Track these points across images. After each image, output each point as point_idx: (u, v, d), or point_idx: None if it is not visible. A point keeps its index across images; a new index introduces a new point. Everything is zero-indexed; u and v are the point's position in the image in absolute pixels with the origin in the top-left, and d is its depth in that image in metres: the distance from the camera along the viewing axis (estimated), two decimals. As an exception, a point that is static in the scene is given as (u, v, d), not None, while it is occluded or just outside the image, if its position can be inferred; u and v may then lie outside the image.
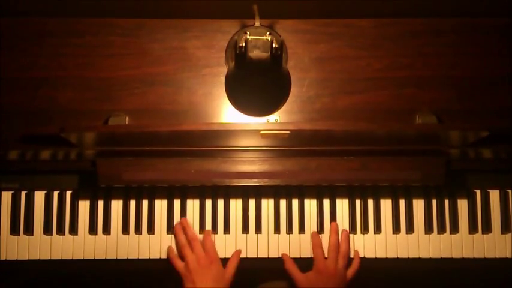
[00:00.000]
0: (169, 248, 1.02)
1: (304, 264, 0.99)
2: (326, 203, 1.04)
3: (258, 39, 0.86)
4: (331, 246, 1.00)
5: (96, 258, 1.02)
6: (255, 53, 0.86)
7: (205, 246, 0.99)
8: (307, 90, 0.99)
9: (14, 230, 1.03)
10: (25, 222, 1.03)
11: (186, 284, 0.96)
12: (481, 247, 1.03)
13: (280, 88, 0.98)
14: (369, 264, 1.03)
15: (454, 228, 1.03)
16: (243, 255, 1.02)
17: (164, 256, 1.02)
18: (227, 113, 0.99)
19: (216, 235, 1.03)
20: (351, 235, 1.03)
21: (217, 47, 0.99)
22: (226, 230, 1.03)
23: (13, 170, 1.02)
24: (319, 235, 1.02)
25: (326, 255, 1.00)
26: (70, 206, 1.04)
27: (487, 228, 1.03)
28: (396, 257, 1.03)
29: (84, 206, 1.04)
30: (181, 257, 0.99)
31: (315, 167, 0.94)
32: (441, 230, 1.03)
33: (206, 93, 0.99)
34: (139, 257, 1.02)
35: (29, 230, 1.03)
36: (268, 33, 0.88)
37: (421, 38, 0.99)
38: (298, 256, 1.01)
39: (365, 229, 1.03)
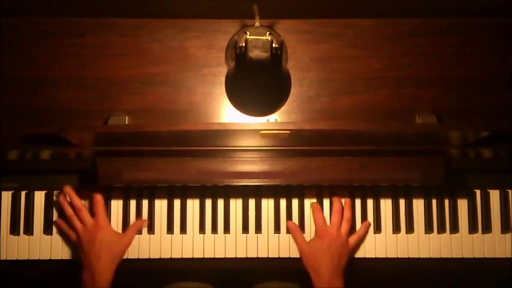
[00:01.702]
0: (59, 221, 1.01)
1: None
2: (326, 203, 1.04)
3: (258, 39, 0.86)
4: (335, 211, 1.00)
5: (96, 258, 1.02)
6: (255, 53, 0.86)
7: (95, 213, 0.99)
8: (307, 90, 0.99)
9: (14, 230, 1.03)
10: (25, 222, 1.03)
11: (81, 255, 0.96)
12: (481, 247, 1.03)
13: (280, 88, 0.98)
14: (369, 264, 1.03)
15: (454, 228, 1.03)
16: (242, 255, 1.02)
17: (164, 256, 1.02)
18: (227, 113, 0.99)
19: (216, 235, 1.03)
20: (351, 235, 1.03)
21: (217, 47, 0.99)
22: (226, 230, 1.03)
23: (13, 170, 1.02)
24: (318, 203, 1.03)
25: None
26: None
27: (487, 228, 1.03)
28: (396, 257, 1.03)
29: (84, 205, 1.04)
30: (73, 228, 0.99)
31: (315, 167, 0.94)
32: (441, 230, 1.03)
33: (206, 93, 0.99)
34: (139, 257, 1.02)
35: (29, 230, 1.03)
36: (268, 33, 0.87)
37: (421, 38, 0.99)
38: (299, 256, 1.01)
39: (365, 229, 1.03)
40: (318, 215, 1.00)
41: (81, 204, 0.99)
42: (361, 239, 1.02)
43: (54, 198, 1.04)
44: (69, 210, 0.99)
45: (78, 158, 0.98)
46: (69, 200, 1.00)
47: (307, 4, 1.00)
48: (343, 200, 1.02)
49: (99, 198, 1.00)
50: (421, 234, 1.04)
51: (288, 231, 1.03)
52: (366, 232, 1.02)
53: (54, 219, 1.03)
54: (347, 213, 1.00)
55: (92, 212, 1.00)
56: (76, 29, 0.99)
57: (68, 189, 1.00)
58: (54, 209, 1.04)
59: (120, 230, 1.03)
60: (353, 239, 0.99)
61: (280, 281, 1.09)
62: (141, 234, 1.03)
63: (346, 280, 0.99)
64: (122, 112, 0.97)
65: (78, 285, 0.96)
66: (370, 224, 1.02)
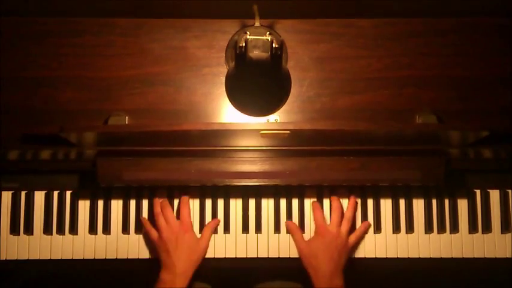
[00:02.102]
0: (143, 219, 1.02)
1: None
2: (326, 203, 1.04)
3: (258, 39, 0.86)
4: (334, 210, 1.00)
5: (96, 258, 1.03)
6: (255, 53, 0.86)
7: (181, 215, 0.99)
8: (307, 90, 0.99)
9: (14, 230, 1.03)
10: (25, 222, 1.03)
11: (160, 253, 0.96)
12: (481, 247, 1.03)
13: (280, 88, 0.98)
14: (369, 264, 1.03)
15: (454, 228, 1.03)
16: (242, 255, 1.02)
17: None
18: (227, 113, 0.99)
19: (216, 235, 1.03)
20: (350, 234, 1.03)
21: (217, 47, 0.99)
22: (226, 230, 1.03)
23: (13, 170, 1.02)
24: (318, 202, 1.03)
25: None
26: (70, 206, 1.04)
27: (487, 228, 1.03)
28: (396, 257, 1.03)
29: (84, 206, 1.04)
30: (156, 227, 0.99)
31: (315, 167, 0.94)
32: (441, 229, 1.03)
33: (206, 93, 0.99)
34: (140, 257, 1.02)
35: (29, 230, 1.03)
36: (268, 33, 0.87)
37: (421, 38, 0.99)
38: (298, 256, 1.01)
39: (365, 229, 1.03)
40: (318, 214, 1.00)
41: (168, 203, 1.01)
42: (361, 238, 1.01)
43: (55, 198, 1.04)
44: (158, 208, 1.00)
45: (78, 158, 0.99)
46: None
47: (307, 4, 1.00)
48: (344, 201, 1.02)
49: (186, 199, 1.01)
50: (421, 234, 1.04)
51: (288, 232, 1.03)
52: (366, 232, 1.02)
53: (54, 220, 1.03)
54: (348, 213, 1.00)
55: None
56: (76, 29, 0.99)
57: (157, 199, 1.02)
58: (54, 209, 1.04)
59: (120, 231, 1.03)
60: (352, 238, 0.99)
61: (282, 280, 1.09)
62: (141, 234, 1.03)
63: (346, 280, 0.99)
64: (122, 112, 0.97)
65: (78, 285, 0.97)
66: (370, 224, 1.02)
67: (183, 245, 0.96)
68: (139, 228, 1.03)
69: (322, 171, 0.94)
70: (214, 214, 1.03)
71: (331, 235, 0.97)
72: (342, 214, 1.00)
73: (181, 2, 1.00)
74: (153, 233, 0.99)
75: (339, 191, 1.03)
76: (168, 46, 0.99)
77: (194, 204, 1.04)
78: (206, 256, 1.02)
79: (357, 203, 1.02)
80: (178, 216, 1.01)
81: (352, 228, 1.01)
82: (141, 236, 1.03)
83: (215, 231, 1.03)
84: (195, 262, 0.97)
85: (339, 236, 0.97)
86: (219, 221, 1.03)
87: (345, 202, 1.04)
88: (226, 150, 0.96)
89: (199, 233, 1.03)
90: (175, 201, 1.04)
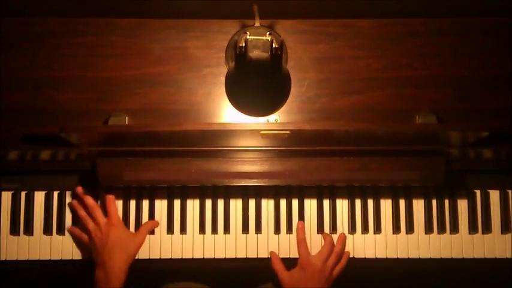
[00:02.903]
0: (71, 228, 1.01)
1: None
2: (326, 203, 1.04)
3: (258, 39, 0.86)
4: (326, 245, 0.99)
5: (96, 258, 1.02)
6: (255, 53, 0.86)
7: (108, 212, 0.99)
8: (307, 91, 0.99)
9: (14, 230, 1.03)
10: (25, 222, 1.03)
11: (93, 253, 0.97)
12: (481, 247, 1.03)
13: (280, 88, 0.98)
14: (369, 264, 1.03)
15: (454, 229, 1.03)
16: (242, 255, 1.02)
17: (164, 256, 1.02)
18: (227, 113, 0.99)
19: (216, 235, 1.03)
20: (351, 235, 1.03)
21: (217, 47, 0.99)
22: (226, 230, 1.03)
23: (13, 170, 1.02)
24: (318, 234, 1.03)
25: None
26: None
27: (487, 229, 1.03)
28: (396, 257, 1.03)
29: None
30: (86, 229, 0.99)
31: (315, 167, 0.94)
32: (441, 230, 1.03)
33: (206, 93, 0.99)
34: (139, 257, 1.02)
35: (29, 230, 1.03)
36: (268, 33, 0.88)
37: (421, 38, 1.00)
38: (298, 256, 1.01)
39: (365, 229, 1.03)
40: (303, 246, 0.99)
41: (94, 203, 1.00)
42: (343, 269, 1.00)
43: (55, 198, 1.04)
44: (82, 212, 1.00)
45: (78, 158, 0.99)
46: (80, 201, 1.01)
47: (306, 4, 1.00)
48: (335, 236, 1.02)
49: (111, 196, 1.01)
50: (421, 235, 1.03)
51: (287, 232, 1.03)
52: (347, 261, 1.01)
53: (54, 220, 1.03)
54: (338, 247, 1.00)
55: (105, 211, 1.00)
56: (76, 29, 0.99)
57: (80, 190, 1.00)
58: (54, 209, 1.04)
59: (120, 230, 1.03)
60: (336, 271, 0.99)
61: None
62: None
63: (347, 280, 0.99)
64: (122, 112, 0.97)
65: (78, 285, 0.97)
66: (349, 254, 1.02)
67: (113, 241, 0.96)
68: (140, 228, 1.03)
69: (322, 172, 0.94)
70: (214, 214, 1.03)
71: (315, 268, 0.96)
72: (332, 249, 0.99)
73: (181, 3, 1.00)
74: (84, 237, 0.99)
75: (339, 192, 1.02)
76: (169, 46, 0.99)
77: (194, 204, 1.04)
78: (206, 256, 1.02)
79: (345, 238, 1.02)
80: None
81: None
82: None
83: (215, 231, 1.03)
84: (128, 256, 0.96)
85: (322, 270, 0.96)
86: (158, 224, 1.02)
87: (344, 203, 1.04)
88: (226, 151, 0.96)
89: (200, 234, 1.03)
90: (176, 202, 1.04)
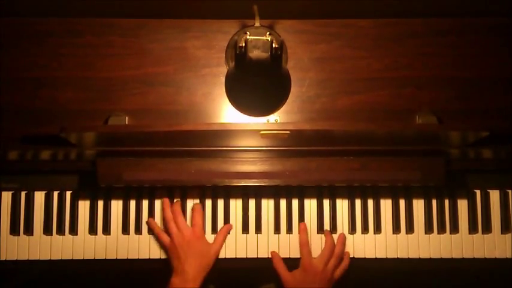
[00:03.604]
0: (151, 222, 1.02)
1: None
2: (326, 203, 1.04)
3: (258, 39, 0.86)
4: (327, 247, 1.00)
5: (96, 258, 1.02)
6: (255, 53, 0.86)
7: (194, 221, 1.00)
8: (307, 90, 0.99)
9: (14, 230, 1.03)
10: (25, 222, 1.03)
11: (172, 260, 0.97)
12: (481, 247, 1.03)
13: (280, 88, 0.98)
14: (369, 264, 1.03)
15: (454, 229, 1.03)
16: (242, 255, 1.02)
17: (165, 256, 1.02)
18: (227, 113, 0.99)
19: (216, 235, 1.03)
20: (351, 235, 1.03)
21: (217, 47, 0.99)
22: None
23: (13, 170, 1.02)
24: (318, 234, 1.03)
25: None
26: (70, 206, 1.04)
27: (487, 229, 1.03)
28: (396, 257, 1.03)
29: (84, 206, 1.04)
30: (167, 232, 0.99)
31: (315, 167, 0.94)
32: (441, 230, 1.03)
33: (206, 93, 0.99)
34: (139, 257, 1.02)
35: (29, 230, 1.03)
36: (268, 33, 0.88)
37: (421, 38, 0.99)
38: (299, 256, 1.01)
39: (365, 229, 1.03)
40: (305, 249, 1.00)
41: (180, 209, 1.00)
42: (345, 271, 1.01)
43: (55, 198, 1.04)
44: (169, 214, 1.00)
45: (78, 158, 0.99)
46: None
47: (306, 4, 1.00)
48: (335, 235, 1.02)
49: (199, 206, 1.02)
50: (421, 235, 1.03)
51: (287, 232, 1.03)
52: (349, 262, 1.01)
53: (54, 220, 1.03)
54: (338, 249, 1.00)
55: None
56: (76, 29, 0.99)
57: (167, 200, 1.01)
58: (54, 209, 1.03)
59: (120, 231, 1.03)
60: (338, 273, 1.00)
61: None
62: (141, 234, 1.03)
63: (347, 280, 0.99)
64: (121, 112, 0.97)
65: (78, 285, 0.97)
66: (349, 256, 1.02)
67: (194, 252, 0.96)
68: (139, 228, 1.03)
69: (322, 172, 0.94)
70: (214, 214, 1.03)
71: (316, 271, 0.97)
72: (333, 251, 1.00)
73: (181, 2, 1.00)
74: (165, 238, 0.99)
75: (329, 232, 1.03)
76: (168, 46, 0.99)
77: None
78: (206, 256, 1.02)
79: (345, 238, 1.02)
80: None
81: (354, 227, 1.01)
82: (141, 236, 1.03)
83: (215, 231, 1.03)
84: (206, 268, 0.97)
85: (324, 272, 0.97)
86: (232, 227, 1.03)
87: (344, 203, 1.04)
88: (226, 151, 0.96)
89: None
90: (175, 202, 1.04)
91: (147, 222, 1.03)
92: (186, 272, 0.94)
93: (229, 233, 1.03)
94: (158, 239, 1.01)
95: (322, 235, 1.03)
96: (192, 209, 1.02)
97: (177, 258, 0.96)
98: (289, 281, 0.97)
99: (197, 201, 1.04)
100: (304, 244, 1.00)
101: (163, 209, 1.02)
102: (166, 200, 1.02)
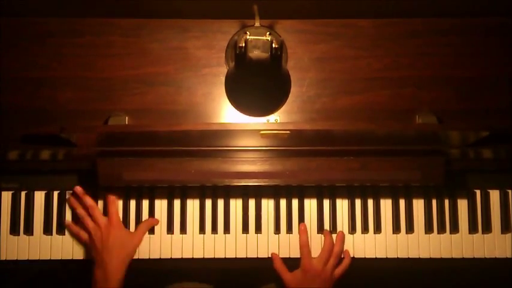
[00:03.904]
0: (68, 224, 1.02)
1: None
2: (326, 203, 1.04)
3: (258, 39, 0.86)
4: (325, 247, 1.00)
5: (96, 258, 1.02)
6: (255, 53, 0.86)
7: (109, 213, 1.00)
8: (307, 90, 0.99)
9: (14, 230, 1.03)
10: (25, 222, 1.03)
11: (92, 252, 0.97)
12: (481, 247, 1.03)
13: (280, 88, 0.98)
14: (369, 264, 1.03)
15: (454, 228, 1.03)
16: (242, 255, 1.02)
17: (164, 256, 1.02)
18: (227, 113, 0.99)
19: (216, 235, 1.03)
20: (351, 235, 1.03)
21: (217, 47, 0.99)
22: (226, 230, 1.03)
23: (13, 170, 1.02)
24: (318, 234, 1.03)
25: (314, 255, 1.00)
26: (81, 206, 1.03)
27: (487, 228, 1.03)
28: (396, 257, 1.03)
29: (84, 206, 1.04)
30: (85, 228, 0.99)
31: (315, 167, 0.94)
32: (441, 230, 1.03)
33: (206, 93, 0.99)
34: (139, 257, 1.02)
35: (29, 230, 1.03)
36: (268, 33, 0.88)
37: (421, 38, 0.99)
38: (298, 256, 1.01)
39: (365, 229, 1.03)
40: (305, 250, 1.00)
41: (93, 203, 1.00)
42: (346, 270, 1.01)
43: (55, 198, 1.04)
44: (81, 210, 1.00)
45: (78, 158, 0.99)
46: (79, 200, 1.01)
47: (307, 4, 1.00)
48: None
49: (113, 197, 1.01)
50: (421, 235, 1.03)
51: (287, 232, 1.03)
52: (350, 262, 1.02)
53: (54, 220, 1.03)
54: (337, 248, 1.00)
55: (105, 211, 1.01)
56: (76, 29, 0.99)
57: (79, 190, 1.00)
58: (54, 209, 1.04)
59: (120, 230, 1.03)
60: (338, 272, 1.00)
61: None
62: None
63: (347, 280, 0.99)
64: (122, 112, 0.97)
65: (83, 284, 0.97)
66: (350, 255, 1.02)
67: (113, 242, 0.96)
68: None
69: (322, 172, 0.94)
70: (214, 214, 1.03)
71: (316, 271, 0.97)
72: (332, 251, 1.00)
73: (181, 3, 1.00)
74: (83, 235, 1.00)
75: (328, 231, 1.02)
76: (168, 46, 0.99)
77: (194, 204, 1.04)
78: (206, 256, 1.02)
79: (344, 236, 1.02)
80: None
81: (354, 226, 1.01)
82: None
83: (215, 231, 1.03)
84: (127, 256, 0.97)
85: (323, 272, 0.97)
86: (157, 221, 1.02)
87: (344, 203, 1.04)
88: (226, 151, 0.96)
89: (200, 233, 1.03)
90: (175, 201, 1.04)
91: (66, 226, 1.02)
92: (105, 261, 0.94)
93: (153, 232, 1.02)
94: (78, 238, 1.01)
95: (322, 235, 1.02)
96: (107, 201, 1.01)
97: (95, 249, 0.96)
98: (290, 281, 0.98)
99: (197, 201, 1.04)
100: (304, 245, 1.00)
101: (73, 207, 1.01)
102: (72, 199, 1.01)
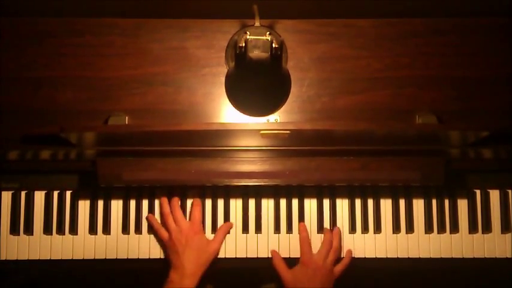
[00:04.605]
0: (151, 217, 1.02)
1: (304, 264, 0.99)
2: (326, 203, 1.04)
3: (258, 39, 0.86)
4: (324, 242, 1.00)
5: (96, 258, 1.03)
6: (255, 53, 0.86)
7: (192, 216, 1.00)
8: (307, 90, 0.99)
9: (14, 230, 1.03)
10: (25, 222, 1.03)
11: (170, 254, 0.97)
12: (481, 247, 1.03)
13: (280, 88, 0.98)
14: (369, 264, 1.03)
15: (454, 228, 1.03)
16: (242, 255, 1.02)
17: (164, 256, 1.02)
18: (227, 113, 0.99)
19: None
20: (351, 235, 1.03)
21: (217, 47, 0.99)
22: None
23: (13, 170, 1.02)
24: (318, 234, 1.03)
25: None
26: (70, 206, 1.04)
27: (487, 228, 1.03)
28: (396, 257, 1.03)
29: (84, 206, 1.04)
30: (166, 227, 0.99)
31: (315, 167, 0.94)
32: (441, 230, 1.03)
33: (206, 93, 0.99)
34: (140, 257, 1.02)
35: (29, 230, 1.03)
36: (268, 33, 0.87)
37: (421, 38, 0.99)
38: (298, 256, 1.01)
39: (365, 229, 1.03)
40: (306, 245, 1.00)
41: (178, 205, 1.00)
42: (347, 267, 1.01)
43: (55, 198, 1.04)
44: (167, 209, 1.00)
45: (78, 158, 0.99)
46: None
47: (307, 4, 1.00)
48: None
49: (198, 201, 1.02)
50: (421, 234, 1.03)
51: (287, 231, 1.03)
52: (350, 259, 1.02)
53: (54, 220, 1.03)
54: (334, 243, 1.00)
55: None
56: (76, 29, 0.99)
57: (165, 198, 1.01)
58: (54, 209, 1.03)
59: (120, 231, 1.03)
60: (339, 268, 1.00)
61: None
62: (141, 234, 1.03)
63: (347, 280, 0.99)
64: (121, 112, 0.97)
65: (78, 285, 0.97)
66: (352, 253, 1.02)
67: (192, 247, 0.96)
68: (139, 228, 1.03)
69: (322, 172, 0.94)
70: (214, 214, 1.03)
71: (316, 266, 0.97)
72: (331, 246, 1.00)
73: (181, 2, 1.00)
74: (163, 233, 0.99)
75: (327, 228, 1.03)
76: (168, 46, 0.99)
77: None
78: (206, 256, 1.02)
79: (340, 231, 1.02)
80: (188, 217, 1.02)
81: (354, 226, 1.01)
82: (140, 236, 1.03)
83: (215, 231, 1.03)
84: (204, 264, 0.97)
85: (324, 267, 0.97)
86: (232, 225, 1.03)
87: (344, 203, 1.04)
88: (226, 150, 0.96)
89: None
90: (173, 198, 1.03)
91: (147, 218, 1.03)
92: (184, 266, 0.94)
93: (228, 233, 1.03)
94: (157, 235, 1.01)
95: (322, 235, 1.02)
96: (192, 204, 1.02)
97: (175, 252, 0.96)
98: (289, 279, 0.97)
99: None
100: (305, 239, 1.00)
101: (160, 205, 1.02)
102: (164, 198, 1.02)
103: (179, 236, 0.97)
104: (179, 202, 1.01)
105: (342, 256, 1.02)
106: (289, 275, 0.98)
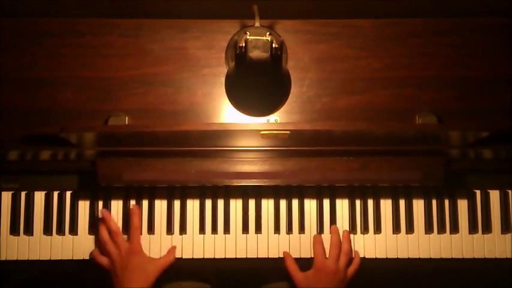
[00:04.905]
0: (94, 252, 1.00)
1: (305, 263, 0.99)
2: (326, 203, 1.04)
3: (258, 39, 0.86)
4: (333, 245, 0.99)
5: (96, 258, 1.02)
6: (255, 53, 0.86)
7: (131, 236, 0.99)
8: (307, 91, 0.99)
9: (14, 230, 1.03)
10: (25, 222, 1.03)
11: (114, 278, 0.96)
12: (481, 247, 1.03)
13: (280, 88, 0.98)
14: (369, 264, 1.03)
15: (454, 229, 1.03)
16: (242, 255, 1.02)
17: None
18: (227, 113, 0.99)
19: (216, 235, 1.03)
20: (351, 235, 1.03)
21: (217, 47, 0.99)
22: (226, 230, 1.03)
23: (13, 170, 1.02)
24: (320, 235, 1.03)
25: (327, 255, 0.99)
26: (70, 206, 1.04)
27: (487, 229, 1.03)
28: (396, 257, 1.03)
29: (84, 206, 1.04)
30: (107, 254, 0.98)
31: (315, 167, 0.94)
32: (441, 230, 1.03)
33: (206, 94, 0.99)
34: (139, 257, 1.02)
35: (29, 230, 1.03)
36: (268, 33, 0.88)
37: (421, 38, 0.99)
38: (299, 256, 1.01)
39: (365, 229, 1.03)
40: (319, 248, 0.98)
41: (118, 228, 0.99)
42: (358, 268, 1.00)
43: (55, 198, 1.03)
44: (106, 236, 0.98)
45: (78, 158, 0.99)
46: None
47: (307, 4, 1.00)
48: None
49: (135, 209, 1.00)
50: (421, 235, 1.03)
51: (287, 232, 1.03)
52: (360, 259, 1.01)
53: (54, 220, 1.03)
54: (345, 246, 0.99)
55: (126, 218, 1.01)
56: (76, 29, 0.99)
57: (106, 214, 1.00)
58: (54, 209, 1.03)
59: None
60: (351, 270, 0.99)
61: (287, 281, 1.08)
62: (141, 234, 1.03)
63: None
64: (121, 112, 0.97)
65: (78, 285, 0.97)
66: (359, 253, 1.02)
67: (133, 267, 0.95)
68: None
69: (322, 172, 0.94)
70: (214, 214, 1.03)
71: (330, 270, 0.96)
72: (340, 248, 0.99)
73: (181, 2, 1.00)
74: (104, 261, 0.98)
75: (336, 227, 1.02)
76: (168, 46, 0.99)
77: (194, 204, 1.04)
78: (206, 256, 1.02)
79: (349, 234, 1.02)
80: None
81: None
82: (140, 236, 1.03)
83: (215, 231, 1.03)
84: (145, 282, 0.96)
85: (337, 271, 0.96)
86: (175, 248, 1.01)
87: (344, 203, 1.04)
88: (226, 151, 0.96)
89: (200, 234, 1.02)
90: (176, 202, 1.04)
91: (91, 256, 1.01)
92: (124, 286, 0.94)
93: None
94: (101, 266, 0.99)
95: (323, 235, 1.02)
96: (130, 213, 1.00)
97: (116, 276, 0.95)
98: (302, 281, 0.96)
99: (197, 201, 1.04)
100: (318, 242, 0.99)
101: (99, 231, 0.99)
102: (102, 224, 0.99)
103: (119, 259, 0.96)
104: (116, 226, 0.99)
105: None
106: (302, 278, 0.97)
